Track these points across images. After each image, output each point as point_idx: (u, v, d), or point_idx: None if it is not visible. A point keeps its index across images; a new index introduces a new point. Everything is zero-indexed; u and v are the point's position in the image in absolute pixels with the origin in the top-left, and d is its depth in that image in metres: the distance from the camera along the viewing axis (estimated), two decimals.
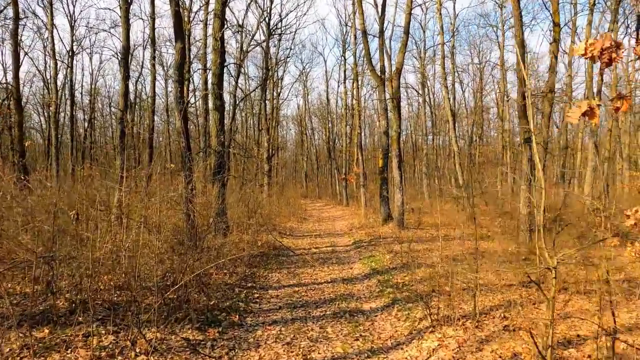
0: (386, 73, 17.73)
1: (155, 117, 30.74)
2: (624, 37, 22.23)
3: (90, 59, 47.03)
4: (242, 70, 38.68)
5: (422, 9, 31.06)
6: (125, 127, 12.84)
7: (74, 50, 29.04)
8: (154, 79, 19.79)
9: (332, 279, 8.41)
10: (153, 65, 18.37)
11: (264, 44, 26.60)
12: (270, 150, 26.15)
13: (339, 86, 39.44)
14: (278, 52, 35.24)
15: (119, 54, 14.42)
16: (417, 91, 35.06)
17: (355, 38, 23.09)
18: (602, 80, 17.35)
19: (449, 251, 11.44)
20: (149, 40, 19.34)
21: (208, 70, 24.14)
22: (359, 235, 14.91)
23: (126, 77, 13.03)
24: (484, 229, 15.76)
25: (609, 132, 21.48)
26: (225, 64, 11.90)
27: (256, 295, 7.02)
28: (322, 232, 17.02)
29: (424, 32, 31.95)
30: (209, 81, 11.80)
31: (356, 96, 23.54)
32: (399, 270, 8.71)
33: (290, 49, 40.35)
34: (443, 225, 17.96)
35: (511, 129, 33.43)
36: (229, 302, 6.39)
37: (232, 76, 32.81)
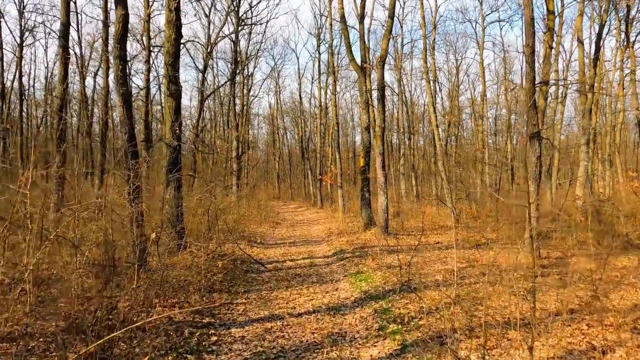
0: (368, 62, 16.04)
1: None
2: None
3: (46, 50, 43.36)
4: (210, 64, 36.53)
5: (399, 3, 29.71)
6: (63, 120, 10.71)
7: (24, 40, 26.47)
8: (107, 68, 17.50)
9: (315, 307, 6.58)
10: (105, 51, 16.13)
11: (233, 35, 24.56)
12: (240, 148, 24.11)
13: (312, 82, 37.57)
14: (248, 46, 33.28)
15: (57, 32, 12.23)
16: (392, 89, 33.68)
17: (332, 28, 21.34)
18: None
19: (449, 264, 9.82)
20: (102, 23, 17.05)
21: (157, 49, 21.91)
22: (340, 244, 13.14)
23: (65, 60, 10.89)
24: (475, 233, 14.27)
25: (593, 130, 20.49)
26: (183, 41, 9.92)
27: (214, 339, 5.11)
28: (298, 239, 15.18)
29: (402, 27, 30.52)
30: (163, 62, 9.79)
31: (333, 90, 21.78)
32: (397, 294, 6.95)
33: (262, 42, 38.29)
34: (429, 229, 16.43)
35: (489, 128, 32.49)
36: (172, 355, 4.47)
37: (199, 71, 30.67)
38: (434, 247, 12.25)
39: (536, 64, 11.27)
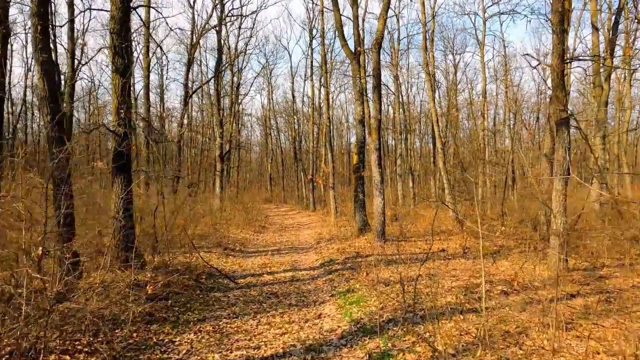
0: (362, 47, 14.32)
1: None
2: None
3: (25, 45, 40.11)
4: (198, 59, 34.73)
5: None
6: None
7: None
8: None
9: (287, 346, 4.78)
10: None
11: (217, 25, 22.79)
12: (224, 146, 22.29)
13: (305, 81, 35.90)
14: (238, 41, 31.59)
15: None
16: (388, 88, 31.95)
17: (323, 14, 19.62)
18: None
19: (460, 278, 8.05)
20: None
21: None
22: (330, 252, 11.36)
23: (4, 38, 9.07)
24: (484, 238, 12.53)
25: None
26: (134, 6, 8.14)
27: None
28: (283, 246, 13.38)
29: (398, 21, 28.80)
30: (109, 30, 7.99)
31: (325, 84, 20.04)
32: (400, 326, 5.17)
33: (251, 37, 36.36)
34: (430, 234, 14.67)
35: (487, 126, 30.76)
36: None
37: (184, 64, 28.90)
38: (438, 256, 10.50)
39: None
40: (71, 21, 14.91)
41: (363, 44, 18.39)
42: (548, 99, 14.53)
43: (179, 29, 43.25)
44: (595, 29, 15.92)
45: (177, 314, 5.85)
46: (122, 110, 7.17)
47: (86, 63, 13.79)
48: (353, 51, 14.04)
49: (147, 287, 4.92)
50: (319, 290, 7.51)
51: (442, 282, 7.75)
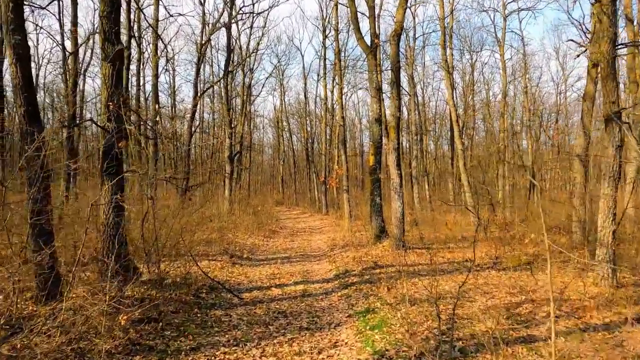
0: (378, 39, 13.37)
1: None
2: None
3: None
4: (209, 59, 34.07)
5: None
6: None
7: None
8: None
9: None
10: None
11: (226, 21, 22.02)
12: (233, 147, 21.48)
13: (318, 81, 35.08)
14: (250, 41, 30.88)
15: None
16: (402, 87, 30.85)
17: (337, 8, 18.72)
18: None
19: (495, 296, 7.05)
20: None
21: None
22: (345, 261, 10.42)
23: None
24: (512, 248, 11.47)
25: None
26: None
27: None
28: (294, 254, 12.48)
29: (414, 18, 27.82)
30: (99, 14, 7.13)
31: (339, 81, 19.10)
32: (432, 358, 4.21)
33: (263, 35, 35.64)
34: (451, 241, 13.64)
35: (507, 127, 29.46)
36: None
37: (194, 63, 28.23)
38: (464, 266, 9.50)
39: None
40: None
41: (379, 39, 17.45)
42: (582, 96, 13.38)
43: (188, 24, 42.68)
44: (629, 20, 14.79)
45: (168, 340, 4.96)
46: (110, 103, 6.32)
47: (75, 51, 13.00)
48: (369, 44, 13.10)
49: (121, 318, 4.03)
50: (333, 308, 6.57)
51: (475, 299, 6.77)
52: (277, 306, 6.68)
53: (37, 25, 30.28)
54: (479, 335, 4.92)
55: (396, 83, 11.67)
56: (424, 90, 35.25)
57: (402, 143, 35.40)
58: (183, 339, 5.06)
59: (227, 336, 5.25)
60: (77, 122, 11.10)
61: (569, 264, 9.39)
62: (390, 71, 11.86)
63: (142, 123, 12.73)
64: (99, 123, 6.63)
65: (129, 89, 24.93)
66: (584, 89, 12.68)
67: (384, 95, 14.94)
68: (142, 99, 25.67)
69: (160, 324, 5.31)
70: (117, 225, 6.56)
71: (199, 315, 6.09)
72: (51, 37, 40.25)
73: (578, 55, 10.18)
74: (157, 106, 17.32)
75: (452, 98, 18.80)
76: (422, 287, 7.18)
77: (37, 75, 25.93)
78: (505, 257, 10.01)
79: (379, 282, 7.69)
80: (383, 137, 13.90)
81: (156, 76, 20.66)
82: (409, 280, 7.73)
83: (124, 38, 18.49)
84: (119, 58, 6.67)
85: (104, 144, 6.51)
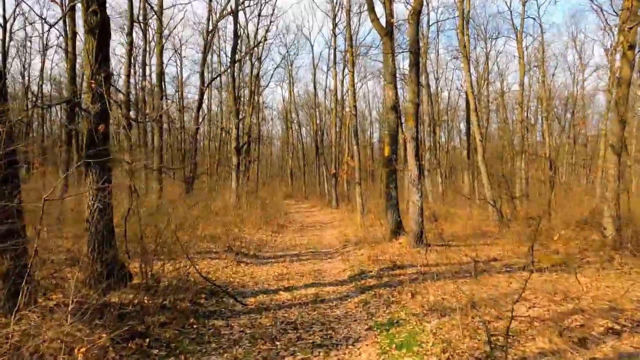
0: (394, 19, 12.39)
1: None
2: None
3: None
4: (216, 49, 33.19)
5: None
6: None
7: None
8: None
9: None
10: None
11: (233, 6, 21.10)
12: (240, 139, 20.64)
13: (328, 71, 34.11)
14: (257, 29, 30.01)
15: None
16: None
17: None
18: None
19: (531, 300, 6.13)
20: None
21: None
22: (359, 260, 9.55)
23: None
24: (542, 244, 10.52)
25: None
26: None
27: None
28: (304, 250, 11.64)
29: (427, 4, 26.60)
30: None
31: (350, 68, 18.12)
32: None
33: (271, 23, 34.71)
34: (472, 237, 12.69)
35: (524, 117, 28.21)
36: None
37: (200, 52, 27.41)
38: (491, 267, 8.59)
39: None
40: None
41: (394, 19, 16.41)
42: (616, 81, 12.31)
43: (194, 12, 41.78)
44: None
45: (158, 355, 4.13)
46: (93, 82, 5.47)
47: (56, 23, 12.19)
48: (384, 25, 12.13)
49: (77, 351, 3.17)
50: (350, 318, 5.70)
51: (509, 306, 5.85)
52: (285, 315, 5.82)
53: None
54: (531, 357, 4.03)
55: (415, 66, 10.69)
56: (438, 81, 34.07)
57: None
58: (171, 358, 4.22)
59: (226, 355, 4.41)
60: (52, 102, 10.28)
61: (611, 263, 8.44)
62: (407, 54, 10.87)
63: (129, 104, 11.82)
64: (83, 104, 5.79)
65: (135, 79, 24.15)
66: (619, 73, 11.61)
67: (397, 83, 14.01)
68: (147, 89, 24.87)
69: (147, 340, 4.47)
70: (103, 221, 5.74)
71: (195, 326, 5.26)
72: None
73: (632, 27, 9.01)
74: (160, 90, 16.47)
75: (471, 84, 17.73)
76: (450, 292, 6.30)
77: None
78: (537, 256, 9.06)
79: (401, 287, 6.81)
80: (401, 124, 12.97)
81: (161, 65, 19.86)
82: (434, 283, 6.83)
83: (127, 26, 17.71)
84: (102, 29, 5.80)
85: (89, 125, 5.67)
